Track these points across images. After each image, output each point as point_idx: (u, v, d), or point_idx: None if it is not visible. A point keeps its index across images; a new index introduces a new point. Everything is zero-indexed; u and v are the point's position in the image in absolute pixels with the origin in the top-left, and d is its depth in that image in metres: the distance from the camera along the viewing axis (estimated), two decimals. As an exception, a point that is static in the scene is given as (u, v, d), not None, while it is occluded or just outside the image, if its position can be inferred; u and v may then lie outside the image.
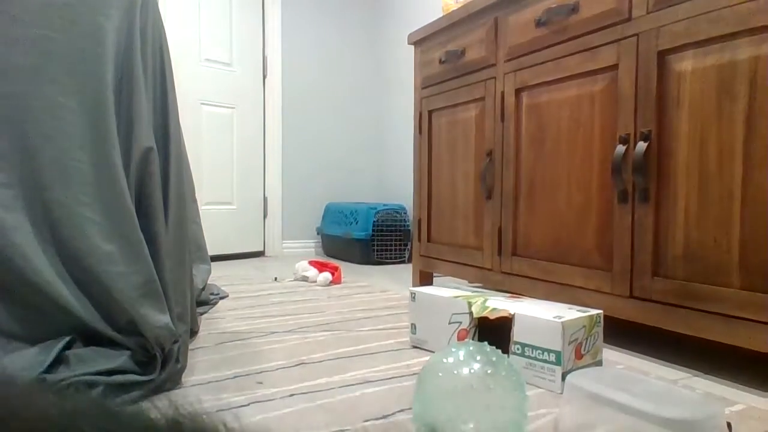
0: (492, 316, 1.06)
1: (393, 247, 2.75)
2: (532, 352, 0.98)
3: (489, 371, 0.81)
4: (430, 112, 1.93)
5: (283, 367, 1.04)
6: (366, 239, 2.68)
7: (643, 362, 1.12)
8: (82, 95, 0.91)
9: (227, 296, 1.77)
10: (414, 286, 2.02)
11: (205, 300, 1.58)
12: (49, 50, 0.89)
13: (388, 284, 2.10)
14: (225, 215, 2.81)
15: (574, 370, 0.94)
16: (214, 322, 1.41)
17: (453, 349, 0.87)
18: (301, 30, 3.07)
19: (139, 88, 0.98)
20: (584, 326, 0.99)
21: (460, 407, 0.67)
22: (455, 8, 1.86)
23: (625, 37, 1.17)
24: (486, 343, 0.96)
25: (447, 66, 1.81)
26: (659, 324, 1.10)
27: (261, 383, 0.91)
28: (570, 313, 1.00)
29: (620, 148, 1.16)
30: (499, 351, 0.93)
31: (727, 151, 0.98)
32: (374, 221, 2.69)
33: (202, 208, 2.65)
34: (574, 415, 0.72)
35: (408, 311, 1.43)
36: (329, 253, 2.98)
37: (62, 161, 0.89)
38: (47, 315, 0.88)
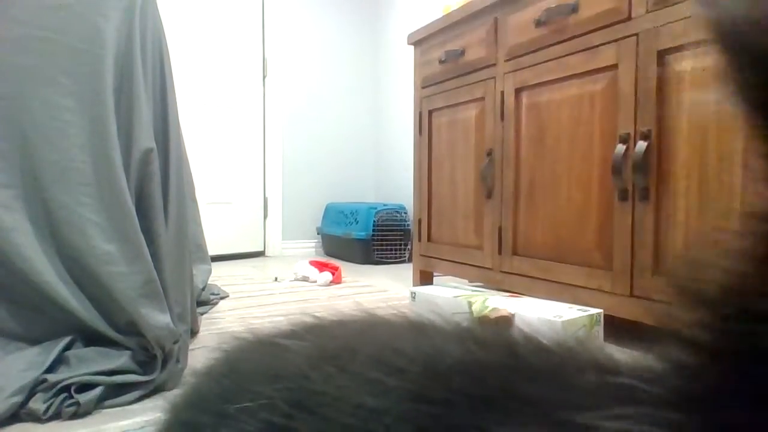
0: (492, 316, 1.06)
1: (393, 247, 2.75)
2: (533, 352, 0.98)
3: (489, 370, 0.81)
4: (430, 112, 1.93)
5: (284, 367, 1.04)
6: (366, 239, 2.68)
7: (644, 361, 1.12)
8: (82, 96, 0.91)
9: (227, 296, 1.77)
10: (414, 285, 2.02)
11: (205, 300, 1.58)
12: (49, 51, 0.89)
13: (389, 284, 2.10)
14: (225, 215, 2.81)
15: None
16: (214, 322, 1.41)
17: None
18: (301, 30, 3.07)
19: (139, 88, 0.98)
20: (584, 325, 0.99)
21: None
22: (455, 8, 1.86)
23: (625, 37, 1.17)
24: (486, 342, 0.96)
25: (447, 66, 1.81)
26: (660, 323, 1.10)
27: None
28: (570, 312, 1.00)
29: (620, 148, 1.16)
30: (500, 350, 0.93)
31: (727, 150, 0.98)
32: (374, 221, 2.69)
33: (202, 208, 2.64)
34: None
35: (408, 311, 1.43)
36: (329, 253, 2.98)
37: (62, 162, 0.89)
38: (47, 315, 0.88)
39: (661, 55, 1.09)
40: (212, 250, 2.65)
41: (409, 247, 2.77)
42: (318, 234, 3.09)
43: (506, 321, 1.03)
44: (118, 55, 0.97)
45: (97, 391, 0.81)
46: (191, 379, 0.36)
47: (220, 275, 2.23)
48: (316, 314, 0.37)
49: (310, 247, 3.14)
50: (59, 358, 0.84)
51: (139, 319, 0.88)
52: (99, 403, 0.81)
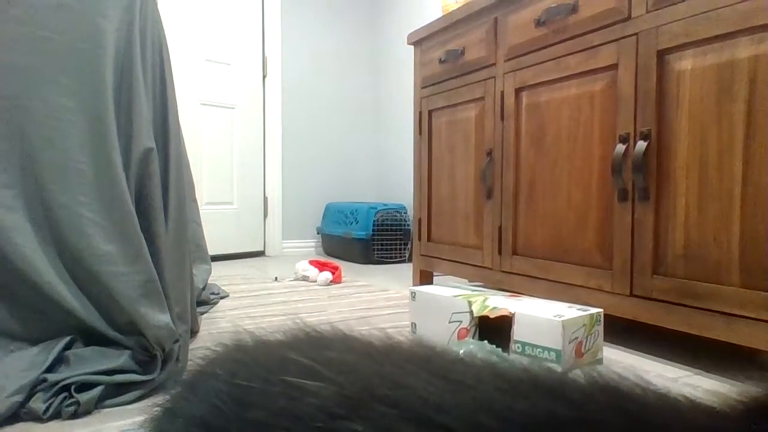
0: (492, 315, 1.06)
1: (393, 247, 2.75)
2: (533, 351, 0.98)
3: (489, 370, 0.81)
4: (430, 112, 1.93)
5: (284, 367, 1.04)
6: (366, 239, 2.68)
7: (644, 360, 1.12)
8: (82, 96, 0.91)
9: (227, 296, 1.77)
10: (414, 285, 2.02)
11: (205, 300, 1.58)
12: (49, 51, 0.89)
13: (389, 283, 2.10)
14: (225, 215, 2.81)
15: (575, 369, 0.94)
16: (214, 322, 1.41)
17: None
18: (301, 30, 3.07)
19: (139, 88, 0.98)
20: (584, 325, 0.99)
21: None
22: (455, 8, 1.86)
23: (625, 37, 1.17)
24: (486, 342, 0.96)
25: (447, 66, 1.81)
26: (659, 322, 1.10)
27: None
28: (570, 311, 1.00)
29: (620, 147, 1.16)
30: (500, 350, 0.93)
31: (727, 149, 0.98)
32: (374, 221, 2.69)
33: (202, 208, 2.65)
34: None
35: (408, 310, 1.43)
36: (329, 253, 2.98)
37: (62, 162, 0.89)
38: (47, 315, 0.88)
39: (661, 55, 1.10)
40: (212, 250, 2.65)
41: (409, 246, 2.77)
42: (318, 234, 3.09)
43: (506, 320, 1.03)
44: (118, 55, 0.97)
45: (97, 390, 0.81)
46: (184, 395, 0.31)
47: (220, 275, 2.23)
48: (320, 329, 0.34)
49: (310, 247, 3.14)
50: (59, 358, 0.84)
51: (139, 318, 0.88)
52: (99, 403, 0.81)
